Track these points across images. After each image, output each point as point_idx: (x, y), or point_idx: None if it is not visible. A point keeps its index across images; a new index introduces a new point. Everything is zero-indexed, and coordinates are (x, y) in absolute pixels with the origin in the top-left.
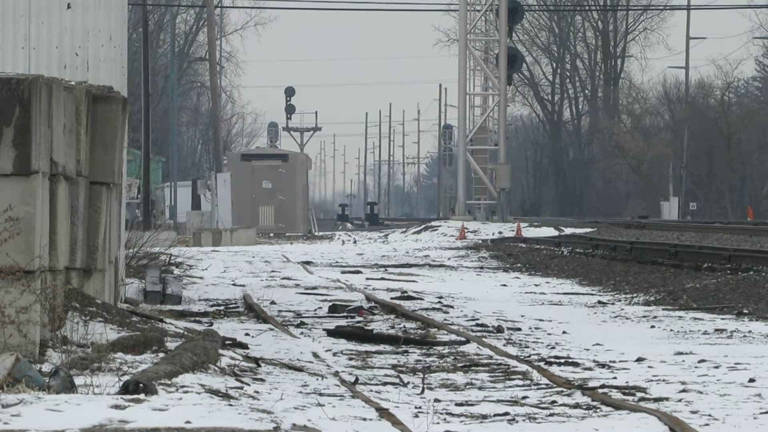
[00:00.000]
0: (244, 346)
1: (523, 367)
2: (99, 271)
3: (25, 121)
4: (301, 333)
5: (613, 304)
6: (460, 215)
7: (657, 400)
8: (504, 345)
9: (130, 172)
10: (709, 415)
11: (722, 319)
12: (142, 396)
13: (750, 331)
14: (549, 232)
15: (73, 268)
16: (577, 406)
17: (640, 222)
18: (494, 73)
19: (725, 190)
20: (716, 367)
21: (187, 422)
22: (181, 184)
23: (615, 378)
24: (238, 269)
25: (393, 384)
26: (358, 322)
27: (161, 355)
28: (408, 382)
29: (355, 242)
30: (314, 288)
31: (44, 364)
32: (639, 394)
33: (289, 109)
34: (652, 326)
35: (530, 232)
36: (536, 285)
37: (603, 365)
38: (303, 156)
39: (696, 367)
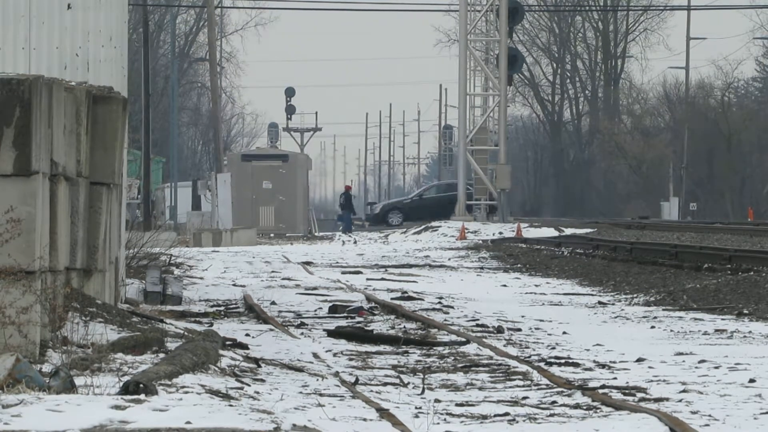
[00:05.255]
0: (244, 346)
1: (523, 368)
2: (99, 271)
3: (25, 121)
4: (302, 333)
5: (613, 304)
6: (461, 215)
7: (657, 400)
8: (504, 345)
9: (130, 172)
10: (710, 416)
11: (722, 319)
12: (142, 396)
13: (750, 332)
14: (549, 232)
15: (74, 269)
16: (577, 406)
17: (640, 222)
18: (494, 73)
19: (726, 190)
20: (716, 368)
21: (188, 423)
22: (181, 184)
23: (615, 378)
24: (238, 270)
25: (393, 384)
26: (359, 322)
27: (161, 355)
28: (408, 383)
29: (355, 242)
30: (314, 288)
31: (44, 365)
32: (639, 395)
33: (290, 110)
34: (653, 327)
35: (530, 232)
36: (536, 285)
37: (603, 366)
38: (303, 156)
39: (696, 367)
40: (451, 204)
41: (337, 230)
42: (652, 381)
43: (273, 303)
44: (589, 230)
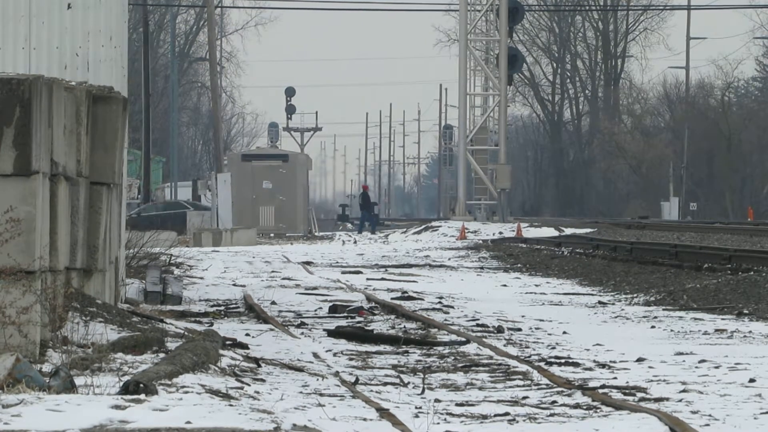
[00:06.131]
0: (244, 346)
1: (523, 368)
2: (99, 271)
3: (25, 121)
4: (302, 333)
5: (613, 304)
6: (461, 215)
7: (657, 400)
8: (504, 345)
9: (130, 172)
10: (710, 416)
11: (722, 319)
12: (142, 396)
13: (750, 332)
14: (549, 232)
15: (74, 269)
16: (577, 406)
17: (640, 222)
18: (495, 73)
19: (725, 190)
20: (716, 368)
21: (188, 422)
22: (181, 184)
23: (615, 378)
24: (238, 269)
25: (393, 384)
26: (359, 322)
27: (162, 355)
28: (408, 383)
29: (355, 242)
30: (315, 288)
31: (45, 365)
32: (639, 395)
33: (290, 110)
34: (653, 326)
35: (530, 232)
36: (536, 285)
37: (603, 365)
38: (303, 156)
39: (696, 367)
40: (164, 222)
41: (338, 230)
42: (652, 381)
43: (273, 303)
44: (589, 230)
